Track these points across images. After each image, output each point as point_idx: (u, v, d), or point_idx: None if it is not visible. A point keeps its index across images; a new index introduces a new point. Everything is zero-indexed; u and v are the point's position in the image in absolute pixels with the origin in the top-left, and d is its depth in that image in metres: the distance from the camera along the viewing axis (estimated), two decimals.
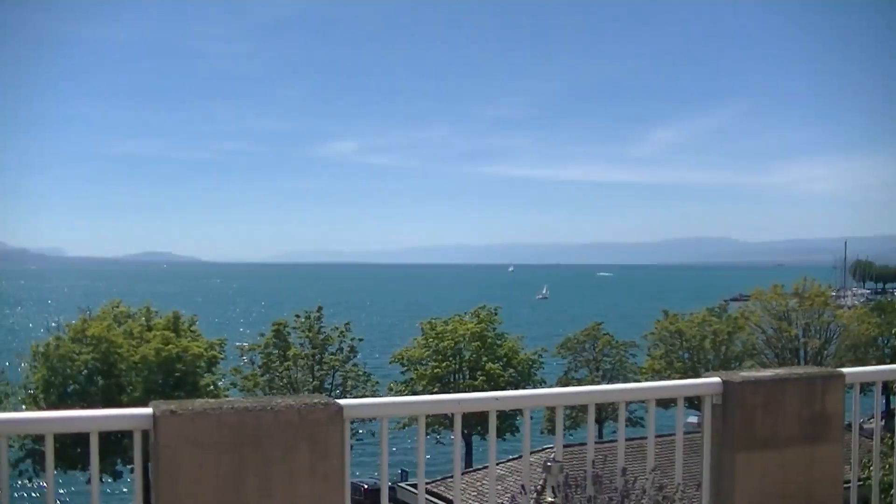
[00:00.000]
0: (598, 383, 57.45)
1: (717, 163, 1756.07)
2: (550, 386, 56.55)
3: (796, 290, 66.03)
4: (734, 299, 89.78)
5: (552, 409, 6.02)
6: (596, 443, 5.94)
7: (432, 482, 36.84)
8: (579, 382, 60.36)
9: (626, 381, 58.19)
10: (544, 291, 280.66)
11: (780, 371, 6.36)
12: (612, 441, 6.85)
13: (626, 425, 5.99)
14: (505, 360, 58.65)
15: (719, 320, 64.66)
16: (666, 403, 6.49)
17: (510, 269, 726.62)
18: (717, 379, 6.03)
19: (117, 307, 54.03)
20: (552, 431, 5.96)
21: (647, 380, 55.27)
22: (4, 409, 46.34)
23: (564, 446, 5.97)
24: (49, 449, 4.74)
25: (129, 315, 53.45)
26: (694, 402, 6.41)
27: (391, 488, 14.40)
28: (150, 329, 51.14)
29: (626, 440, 5.88)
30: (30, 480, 44.15)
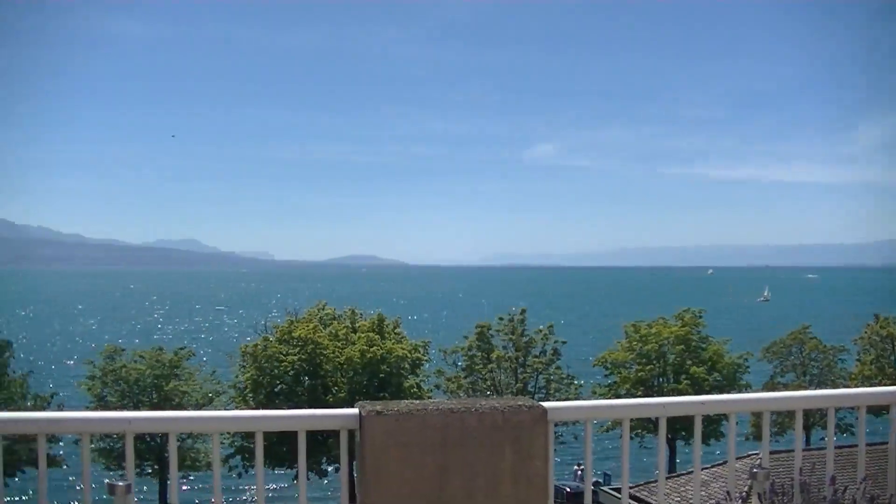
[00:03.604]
0: (806, 388, 56.07)
1: None
2: (756, 391, 55.43)
3: None
4: None
5: (758, 415, 5.93)
6: (804, 450, 5.83)
7: (635, 486, 36.56)
8: (785, 387, 59.02)
9: (834, 386, 56.68)
10: (766, 294, 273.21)
11: None
12: (820, 448, 6.71)
13: (836, 432, 5.86)
14: (709, 363, 57.66)
15: None
16: (877, 411, 6.31)
17: (709, 271, 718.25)
18: None
19: (323, 309, 55.10)
20: (758, 437, 5.87)
21: (857, 386, 53.78)
22: (216, 408, 47.92)
23: (771, 453, 5.87)
24: (259, 446, 4.99)
25: (335, 317, 54.47)
26: None
27: (594, 492, 14.36)
28: (355, 331, 52.01)
29: (836, 448, 5.76)
30: (239, 476, 45.37)
